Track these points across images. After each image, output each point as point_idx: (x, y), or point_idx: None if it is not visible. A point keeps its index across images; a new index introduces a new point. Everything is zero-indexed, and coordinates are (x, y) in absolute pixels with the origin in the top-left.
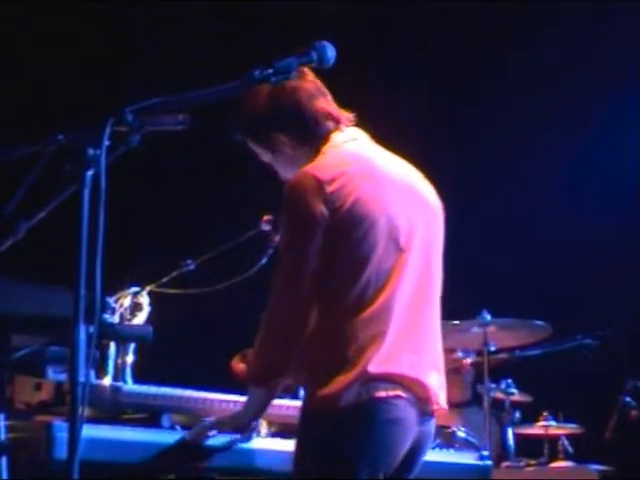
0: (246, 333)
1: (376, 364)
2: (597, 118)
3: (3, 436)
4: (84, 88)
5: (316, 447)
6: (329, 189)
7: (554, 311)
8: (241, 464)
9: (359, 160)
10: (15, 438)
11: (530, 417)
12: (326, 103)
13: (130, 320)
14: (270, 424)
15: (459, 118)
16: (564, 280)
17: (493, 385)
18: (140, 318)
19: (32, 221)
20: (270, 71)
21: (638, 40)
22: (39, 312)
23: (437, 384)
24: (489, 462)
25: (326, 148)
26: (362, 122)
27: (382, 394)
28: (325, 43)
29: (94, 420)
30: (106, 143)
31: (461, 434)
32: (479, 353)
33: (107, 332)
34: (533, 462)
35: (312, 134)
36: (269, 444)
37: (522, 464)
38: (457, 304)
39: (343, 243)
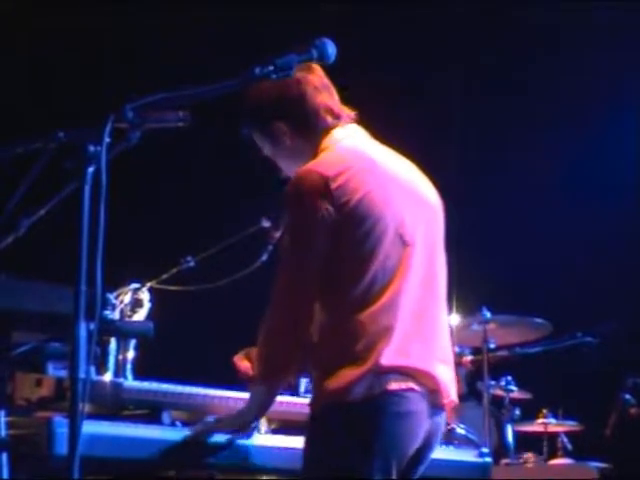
0: (247, 329)
1: (387, 357)
2: (595, 115)
3: (3, 432)
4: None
5: (329, 441)
6: (334, 185)
7: (554, 308)
8: (241, 461)
9: (361, 156)
10: (16, 434)
11: (530, 414)
12: (329, 99)
13: (131, 316)
14: (270, 421)
15: (460, 116)
16: (564, 278)
17: (493, 382)
18: (141, 314)
19: (33, 218)
20: (271, 68)
21: (634, 39)
22: (40, 308)
23: (447, 377)
24: (489, 459)
25: (327, 144)
26: (361, 119)
27: (394, 387)
28: (325, 40)
29: (95, 416)
30: (107, 140)
31: (461, 431)
32: (479, 350)
33: (108, 328)
34: (532, 459)
35: (312, 127)
36: (269, 441)
37: (521, 461)
38: (457, 301)
39: (349, 238)
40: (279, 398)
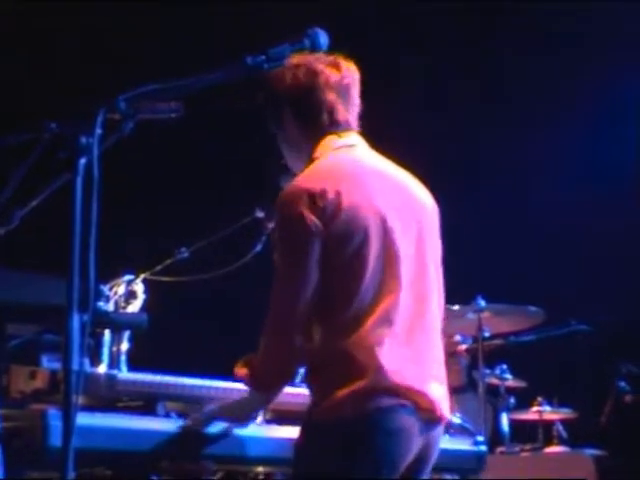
0: (241, 320)
1: (379, 376)
2: (594, 108)
3: None
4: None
5: (319, 456)
6: (321, 202)
7: (548, 297)
8: (235, 452)
9: (352, 170)
10: (10, 427)
11: (525, 402)
12: (339, 100)
13: (125, 308)
14: (265, 411)
15: (457, 107)
16: (558, 266)
17: (488, 371)
18: (135, 306)
19: (25, 209)
20: (263, 58)
21: (635, 31)
22: (33, 300)
23: (439, 394)
24: (484, 448)
25: (321, 151)
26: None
27: (385, 404)
28: (318, 30)
29: (89, 408)
30: (99, 131)
31: (456, 420)
32: (474, 339)
33: (102, 320)
34: (528, 447)
35: (310, 122)
36: (264, 431)
37: (517, 449)
38: (452, 290)
39: (337, 256)
40: None
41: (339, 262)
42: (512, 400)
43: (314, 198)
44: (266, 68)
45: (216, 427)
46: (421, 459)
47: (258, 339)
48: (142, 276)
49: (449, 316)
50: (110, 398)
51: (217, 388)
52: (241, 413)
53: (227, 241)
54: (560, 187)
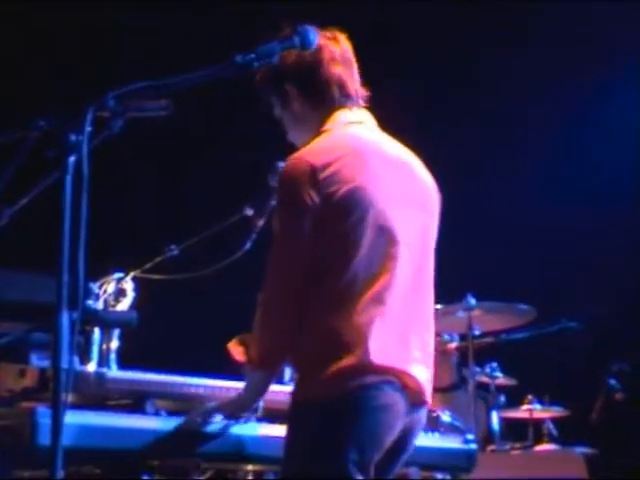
0: (230, 318)
1: (367, 355)
2: (588, 104)
3: None
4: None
5: (306, 434)
6: (322, 175)
7: (539, 295)
8: (226, 449)
9: (358, 147)
10: None
11: (515, 400)
12: (346, 73)
13: (114, 306)
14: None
15: (452, 99)
16: (549, 264)
17: (478, 369)
18: (124, 304)
19: (15, 207)
20: (252, 56)
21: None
22: (22, 298)
23: (424, 378)
24: (474, 446)
25: (330, 125)
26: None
27: (369, 381)
28: (308, 27)
29: (78, 406)
30: (88, 129)
31: (446, 418)
32: (464, 337)
33: (91, 318)
34: (518, 445)
35: (320, 96)
36: (255, 429)
37: (507, 447)
38: (442, 288)
39: (333, 230)
40: None
41: (335, 236)
42: (502, 398)
43: (315, 171)
44: (256, 66)
45: (215, 425)
46: (403, 438)
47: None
48: (132, 274)
49: (439, 314)
50: (99, 396)
51: (207, 386)
52: (240, 404)
53: (217, 239)
54: (551, 185)
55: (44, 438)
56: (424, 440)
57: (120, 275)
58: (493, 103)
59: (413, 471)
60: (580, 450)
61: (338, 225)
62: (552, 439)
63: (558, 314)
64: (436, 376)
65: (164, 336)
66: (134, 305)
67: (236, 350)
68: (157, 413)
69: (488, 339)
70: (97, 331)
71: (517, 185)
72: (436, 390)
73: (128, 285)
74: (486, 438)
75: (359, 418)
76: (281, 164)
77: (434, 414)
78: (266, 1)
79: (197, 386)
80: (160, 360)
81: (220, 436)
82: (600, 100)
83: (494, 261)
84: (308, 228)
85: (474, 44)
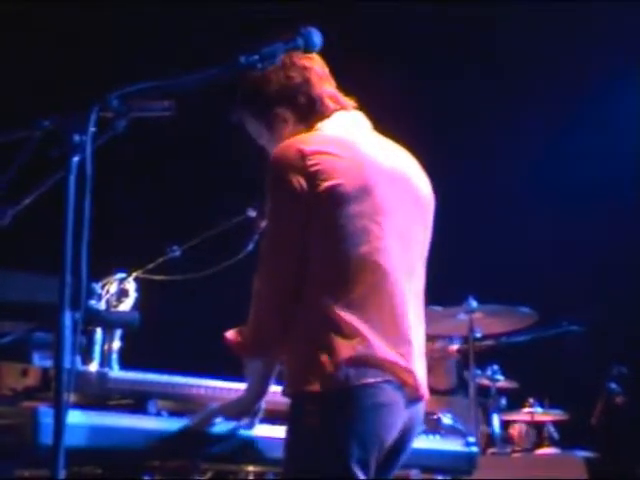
0: (233, 319)
1: (364, 349)
2: (590, 105)
3: None
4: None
5: (307, 432)
6: (309, 162)
7: (540, 298)
8: (227, 450)
9: (352, 145)
10: (1, 424)
11: (516, 403)
12: (331, 88)
13: (116, 306)
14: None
15: (445, 101)
16: (550, 267)
17: (479, 371)
18: (127, 304)
19: (18, 207)
20: (256, 57)
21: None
22: (25, 298)
23: (422, 372)
24: (475, 449)
25: (322, 125)
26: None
27: (370, 380)
28: (311, 29)
29: (80, 406)
30: (92, 129)
31: (447, 420)
32: (465, 340)
33: (93, 318)
34: (519, 448)
35: (316, 113)
36: (255, 431)
37: (508, 450)
38: (443, 290)
39: (324, 218)
40: None
41: (325, 225)
42: (503, 401)
43: (304, 157)
44: (260, 67)
45: (220, 427)
46: (403, 437)
47: None
48: (134, 274)
49: (440, 316)
50: (101, 396)
51: (208, 387)
52: (245, 401)
53: (219, 240)
54: (553, 188)
55: (46, 438)
56: (425, 442)
57: (122, 275)
58: (493, 103)
59: (414, 473)
60: (581, 453)
61: (330, 213)
62: (553, 442)
63: (559, 317)
64: (437, 379)
65: (166, 336)
66: (136, 305)
67: (232, 338)
68: (159, 413)
69: (489, 342)
70: (99, 331)
71: (518, 187)
72: (437, 393)
73: (130, 285)
74: (486, 441)
75: (360, 416)
76: None
77: (435, 417)
78: (266, 1)
79: (199, 387)
80: (162, 360)
81: (221, 437)
82: (600, 100)
83: (495, 264)
84: (300, 213)
85: (474, 43)
